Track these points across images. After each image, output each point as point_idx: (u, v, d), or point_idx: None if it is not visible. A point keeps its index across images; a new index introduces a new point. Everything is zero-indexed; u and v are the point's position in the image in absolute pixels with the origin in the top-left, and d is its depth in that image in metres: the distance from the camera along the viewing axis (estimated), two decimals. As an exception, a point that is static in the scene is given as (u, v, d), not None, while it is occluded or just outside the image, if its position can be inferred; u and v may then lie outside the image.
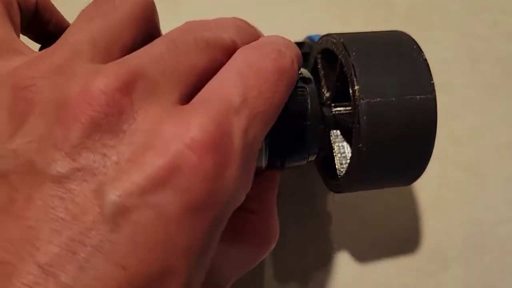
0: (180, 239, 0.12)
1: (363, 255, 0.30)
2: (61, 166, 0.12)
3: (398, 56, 0.20)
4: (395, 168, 0.20)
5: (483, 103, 0.34)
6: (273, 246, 0.19)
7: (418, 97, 0.19)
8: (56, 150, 0.12)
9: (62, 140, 0.12)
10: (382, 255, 0.30)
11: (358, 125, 0.19)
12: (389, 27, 0.37)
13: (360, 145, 0.19)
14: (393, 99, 0.19)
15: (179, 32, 0.15)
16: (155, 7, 0.17)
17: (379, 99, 0.18)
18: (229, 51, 0.16)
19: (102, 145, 0.12)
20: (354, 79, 0.19)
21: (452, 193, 0.31)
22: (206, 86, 0.14)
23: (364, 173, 0.20)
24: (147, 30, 0.16)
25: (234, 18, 0.18)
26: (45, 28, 0.18)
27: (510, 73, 0.35)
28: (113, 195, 0.12)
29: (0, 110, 0.13)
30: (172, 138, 0.12)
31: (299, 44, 0.26)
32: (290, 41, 0.17)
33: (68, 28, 0.15)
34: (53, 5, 0.18)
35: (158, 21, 0.17)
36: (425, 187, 0.31)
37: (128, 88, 0.13)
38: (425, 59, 0.20)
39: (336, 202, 0.30)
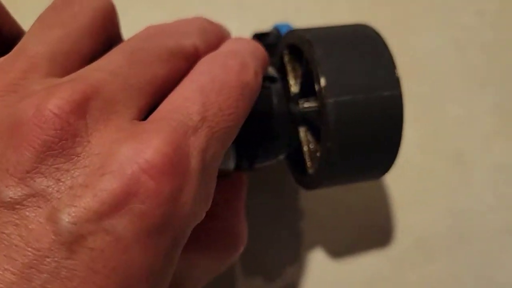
0: (139, 263, 0.12)
1: (347, 247, 0.30)
2: (13, 192, 0.11)
3: (364, 51, 0.19)
4: (364, 165, 0.20)
5: (468, 92, 0.34)
6: (241, 250, 0.19)
7: (384, 93, 0.19)
8: (8, 175, 0.12)
9: (14, 165, 0.12)
10: (365, 247, 0.30)
11: (325, 124, 0.19)
12: (374, 15, 0.37)
13: (329, 143, 0.19)
14: (360, 96, 0.19)
15: (139, 41, 0.15)
16: (116, 11, 0.16)
17: (345, 97, 0.18)
18: (192, 57, 0.15)
19: (56, 169, 0.12)
20: (320, 77, 0.19)
21: (436, 182, 0.31)
22: (165, 101, 0.14)
23: (334, 171, 0.20)
24: (108, 36, 0.16)
25: (198, 18, 0.17)
26: None
27: (494, 62, 0.35)
28: (67, 222, 0.11)
29: None
30: (127, 162, 0.12)
31: (265, 35, 0.26)
32: (256, 45, 0.17)
33: (24, 37, 0.14)
34: (6, 10, 0.17)
35: (119, 25, 0.17)
36: (408, 177, 0.31)
37: (82, 109, 0.12)
38: (390, 53, 0.20)
39: (316, 194, 0.29)
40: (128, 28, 0.19)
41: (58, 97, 0.12)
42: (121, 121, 0.13)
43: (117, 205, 0.11)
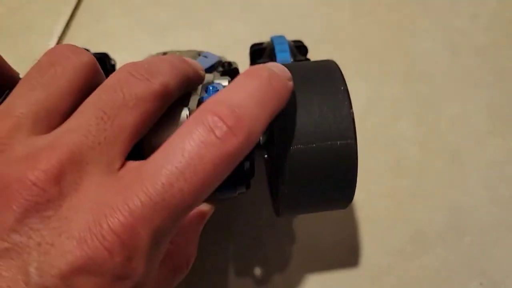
0: None
1: (349, 239, 0.31)
2: None
3: (322, 96, 0.20)
4: (321, 202, 0.21)
5: (462, 93, 0.36)
6: (186, 273, 0.20)
7: (338, 142, 0.19)
8: None
9: None
10: (365, 240, 0.31)
11: (280, 170, 0.20)
12: (373, 19, 0.38)
13: (282, 187, 0.20)
14: (314, 145, 0.19)
15: (108, 92, 0.16)
16: (98, 66, 0.18)
17: (299, 146, 0.19)
18: (162, 97, 0.16)
19: (29, 228, 0.14)
20: (277, 126, 0.20)
21: (433, 179, 0.33)
22: (139, 165, 0.15)
23: (291, 207, 0.21)
24: (90, 88, 0.17)
25: (169, 57, 0.18)
26: None
27: (488, 64, 0.37)
28: (35, 274, 0.13)
29: None
30: (88, 231, 0.14)
31: (260, 44, 0.28)
32: (247, 98, 0.16)
33: (10, 97, 0.16)
34: (2, 58, 0.18)
35: (102, 77, 0.18)
36: (406, 174, 0.33)
37: (57, 178, 0.14)
38: (349, 99, 0.20)
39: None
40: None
41: (36, 168, 0.14)
42: (92, 184, 0.15)
43: (78, 267, 0.13)
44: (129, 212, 0.14)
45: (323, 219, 0.31)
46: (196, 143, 0.14)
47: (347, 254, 0.31)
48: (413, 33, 0.38)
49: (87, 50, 0.22)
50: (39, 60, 0.17)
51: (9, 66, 0.18)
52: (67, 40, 0.36)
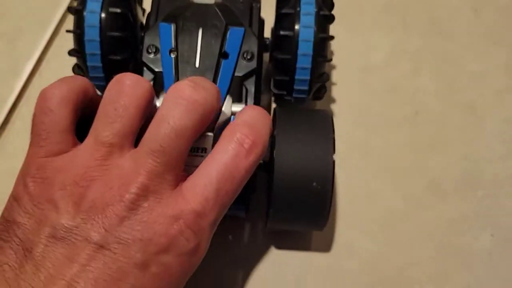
0: (175, 275, 0.20)
1: (366, 185, 0.31)
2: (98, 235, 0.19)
3: (313, 144, 0.25)
4: (299, 225, 0.27)
5: (483, 50, 0.36)
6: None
7: (318, 186, 0.24)
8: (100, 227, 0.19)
9: (108, 224, 0.19)
10: (383, 188, 0.31)
11: (270, 199, 0.25)
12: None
13: (271, 209, 0.25)
14: (298, 184, 0.24)
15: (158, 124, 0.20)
16: (153, 89, 0.22)
17: (287, 167, 0.24)
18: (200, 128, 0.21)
19: (130, 228, 0.19)
20: (273, 152, 0.25)
21: (450, 130, 0.33)
22: (194, 178, 0.20)
23: (276, 223, 0.27)
24: (150, 110, 0.22)
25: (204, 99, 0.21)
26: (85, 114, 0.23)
27: (510, 23, 0.37)
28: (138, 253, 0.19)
29: (64, 199, 0.19)
30: (171, 227, 0.19)
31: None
32: (256, 121, 0.22)
33: (98, 129, 0.21)
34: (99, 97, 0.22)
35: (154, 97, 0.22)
36: (424, 125, 0.33)
37: (145, 193, 0.19)
38: (334, 146, 0.25)
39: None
40: None
41: (131, 186, 0.19)
42: (166, 193, 0.20)
43: (164, 248, 0.19)
44: (196, 213, 0.20)
45: (339, 167, 0.31)
46: (230, 155, 0.20)
47: (363, 199, 0.31)
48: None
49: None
50: (108, 93, 0.21)
51: (100, 97, 0.22)
52: (55, 46, 0.36)
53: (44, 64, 0.35)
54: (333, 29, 0.28)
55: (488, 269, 0.29)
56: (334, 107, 0.33)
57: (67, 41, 0.28)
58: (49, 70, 0.35)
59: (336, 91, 0.34)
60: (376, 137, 0.33)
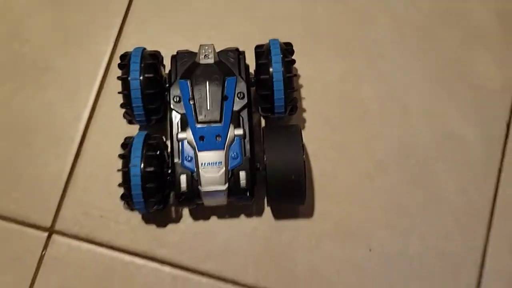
0: None
1: (333, 170, 0.45)
2: None
3: (288, 149, 0.39)
4: (287, 200, 0.42)
5: (411, 66, 0.49)
6: None
7: (293, 177, 0.38)
8: None
9: None
10: (344, 169, 0.45)
11: (267, 183, 0.39)
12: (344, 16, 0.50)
13: (268, 194, 0.40)
14: (283, 177, 0.38)
15: None
16: None
17: (275, 167, 0.38)
18: None
19: None
20: (265, 156, 0.39)
21: (388, 124, 0.47)
22: None
23: (272, 202, 0.42)
24: None
25: None
26: None
27: (428, 43, 0.50)
28: None
29: None
30: None
31: (262, 46, 0.42)
32: None
33: None
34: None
35: None
36: (370, 122, 0.47)
37: None
38: (303, 149, 0.39)
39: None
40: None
41: None
42: None
43: None
44: None
45: (313, 158, 0.45)
46: None
47: (331, 180, 0.45)
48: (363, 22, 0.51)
49: (144, 48, 0.39)
50: None
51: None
52: (121, 45, 0.49)
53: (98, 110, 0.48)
54: (299, 59, 0.42)
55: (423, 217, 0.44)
56: (305, 116, 0.47)
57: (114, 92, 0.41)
58: (104, 116, 0.47)
59: (305, 104, 0.47)
60: (336, 134, 0.46)
